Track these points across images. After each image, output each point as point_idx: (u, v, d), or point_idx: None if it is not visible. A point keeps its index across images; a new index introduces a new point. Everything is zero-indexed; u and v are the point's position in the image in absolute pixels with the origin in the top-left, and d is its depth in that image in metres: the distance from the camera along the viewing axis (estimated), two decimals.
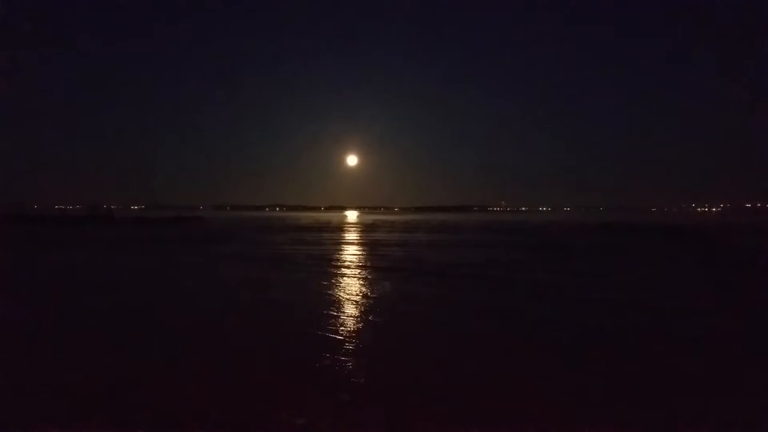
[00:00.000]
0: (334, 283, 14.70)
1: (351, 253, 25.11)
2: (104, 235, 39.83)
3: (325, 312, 10.82)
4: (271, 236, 41.18)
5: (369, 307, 11.54)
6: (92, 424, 5.19)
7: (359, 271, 17.41)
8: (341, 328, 9.35)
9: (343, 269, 17.96)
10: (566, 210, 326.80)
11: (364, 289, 13.67)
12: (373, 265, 19.47)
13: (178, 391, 6.17)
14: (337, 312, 10.82)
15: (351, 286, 14.16)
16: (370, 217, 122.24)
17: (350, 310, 11.12)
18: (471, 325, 10.09)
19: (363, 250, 26.39)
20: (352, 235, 42.15)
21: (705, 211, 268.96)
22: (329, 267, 18.75)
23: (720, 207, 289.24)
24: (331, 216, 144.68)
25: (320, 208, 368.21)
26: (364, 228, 58.46)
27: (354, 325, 9.71)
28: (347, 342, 8.46)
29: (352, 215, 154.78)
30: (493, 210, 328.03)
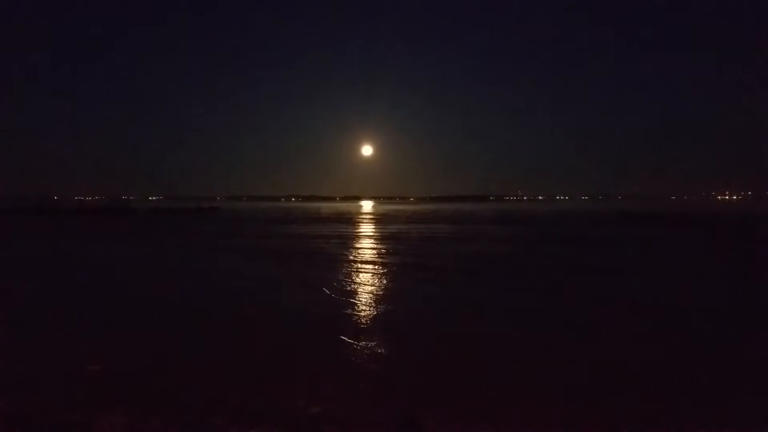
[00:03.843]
0: (357, 281, 14.60)
1: (370, 246, 25.06)
2: (120, 227, 40.44)
3: (346, 315, 10.74)
4: (288, 228, 41.37)
5: (391, 309, 11.38)
6: (110, 411, 5.26)
7: (380, 267, 17.21)
8: (357, 329, 9.34)
9: (362, 265, 17.86)
10: (584, 199, 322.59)
11: (387, 290, 13.54)
12: (393, 261, 19.34)
13: (195, 380, 6.25)
14: (355, 312, 10.75)
15: (373, 285, 14.05)
16: (386, 207, 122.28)
17: (368, 309, 11.04)
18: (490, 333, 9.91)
19: (382, 244, 26.37)
20: (369, 227, 42.10)
21: (726, 199, 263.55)
22: (353, 263, 18.66)
23: (741, 195, 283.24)
24: (347, 206, 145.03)
25: (335, 198, 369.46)
26: (381, 219, 58.38)
27: (371, 325, 9.65)
28: (361, 341, 8.42)
29: (367, 205, 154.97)
30: (510, 199, 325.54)
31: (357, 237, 29.39)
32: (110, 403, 5.43)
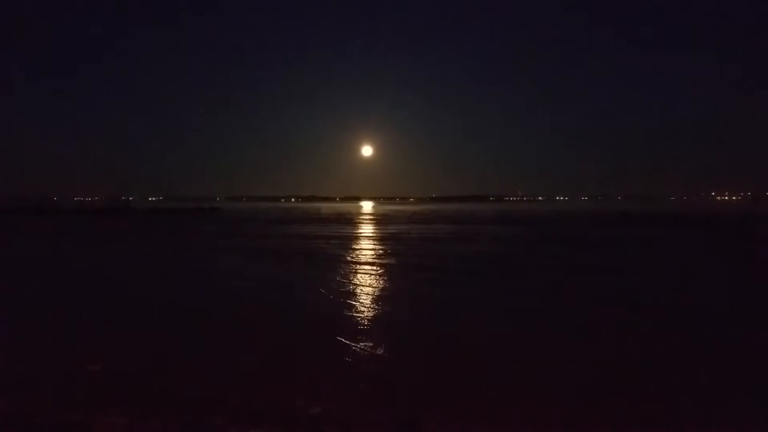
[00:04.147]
0: (356, 282, 14.55)
1: (370, 247, 25.03)
2: (120, 228, 40.45)
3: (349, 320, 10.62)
4: (288, 228, 41.34)
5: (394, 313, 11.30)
6: (111, 411, 5.25)
7: (380, 268, 17.21)
8: (355, 329, 9.26)
9: (362, 266, 17.84)
10: (583, 199, 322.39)
11: (386, 291, 13.51)
12: (392, 262, 19.31)
13: (194, 380, 6.27)
14: (352, 312, 10.65)
15: (372, 286, 14.02)
16: (386, 208, 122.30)
17: (365, 308, 11.01)
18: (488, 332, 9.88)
19: (382, 245, 26.36)
20: (369, 227, 42.08)
21: (725, 200, 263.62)
22: (352, 264, 18.63)
23: (741, 196, 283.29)
24: (347, 206, 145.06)
25: (335, 198, 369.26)
26: (381, 219, 58.33)
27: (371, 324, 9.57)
28: (359, 343, 8.36)
29: (367, 206, 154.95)
30: (509, 199, 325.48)
31: (357, 238, 29.40)
32: (110, 403, 5.43)
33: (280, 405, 5.42)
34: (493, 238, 28.78)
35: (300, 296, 11.81)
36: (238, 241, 27.68)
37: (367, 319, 9.22)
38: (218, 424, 4.94)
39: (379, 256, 19.14)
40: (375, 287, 12.57)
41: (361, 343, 7.66)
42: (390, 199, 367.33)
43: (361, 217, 64.08)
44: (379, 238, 28.45)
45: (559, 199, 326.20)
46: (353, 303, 10.60)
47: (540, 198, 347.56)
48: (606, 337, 8.26)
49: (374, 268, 15.92)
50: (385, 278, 13.92)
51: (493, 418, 5.13)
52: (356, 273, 14.79)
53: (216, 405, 5.38)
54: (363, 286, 12.72)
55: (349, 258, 18.59)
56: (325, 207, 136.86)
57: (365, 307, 10.26)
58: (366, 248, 22.52)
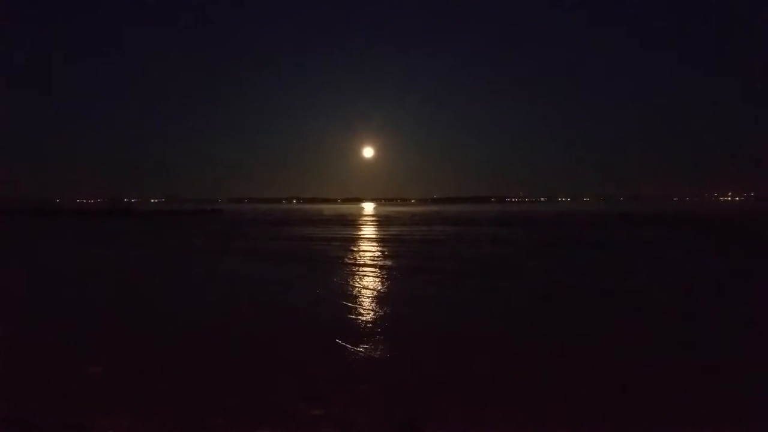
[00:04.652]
0: (356, 284, 14.53)
1: (370, 249, 25.00)
2: (121, 230, 40.49)
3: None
4: (290, 230, 41.34)
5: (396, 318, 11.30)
6: (111, 411, 5.27)
7: (380, 270, 17.19)
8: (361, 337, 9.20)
9: (362, 268, 17.83)
10: (585, 200, 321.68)
11: (386, 293, 13.46)
12: (393, 264, 19.27)
13: (194, 381, 6.29)
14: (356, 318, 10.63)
15: (372, 288, 13.99)
16: (387, 209, 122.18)
17: (367, 313, 11.00)
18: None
19: (383, 247, 26.34)
20: (370, 229, 42.04)
21: (728, 200, 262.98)
22: (352, 265, 18.61)
23: (743, 196, 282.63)
24: (348, 208, 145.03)
25: (337, 200, 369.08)
26: (382, 221, 58.26)
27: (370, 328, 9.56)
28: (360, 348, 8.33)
29: (368, 207, 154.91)
30: (511, 201, 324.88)
31: (358, 239, 29.40)
32: (111, 404, 5.46)
33: (280, 406, 5.43)
34: (495, 240, 28.74)
35: (300, 298, 11.84)
36: (239, 243, 27.71)
37: (367, 321, 9.23)
38: (218, 425, 4.95)
39: (380, 258, 19.13)
40: (375, 289, 12.59)
41: (360, 345, 7.68)
42: (391, 201, 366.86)
43: (363, 218, 64.03)
44: (381, 240, 28.45)
45: (561, 200, 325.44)
46: (352, 305, 10.61)
47: (542, 199, 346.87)
48: (606, 337, 8.25)
49: (375, 270, 15.92)
50: (385, 280, 13.92)
51: (493, 419, 5.14)
52: (356, 275, 14.79)
53: (216, 407, 5.40)
54: (363, 288, 12.74)
55: (349, 260, 18.59)
56: (327, 208, 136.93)
57: (365, 308, 10.28)
58: (367, 250, 22.51)
